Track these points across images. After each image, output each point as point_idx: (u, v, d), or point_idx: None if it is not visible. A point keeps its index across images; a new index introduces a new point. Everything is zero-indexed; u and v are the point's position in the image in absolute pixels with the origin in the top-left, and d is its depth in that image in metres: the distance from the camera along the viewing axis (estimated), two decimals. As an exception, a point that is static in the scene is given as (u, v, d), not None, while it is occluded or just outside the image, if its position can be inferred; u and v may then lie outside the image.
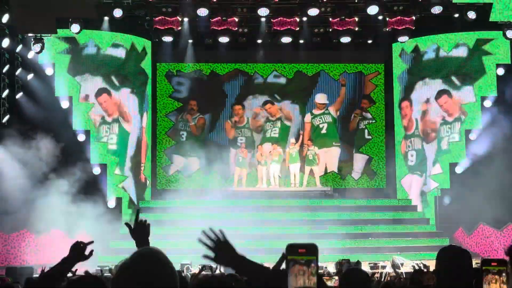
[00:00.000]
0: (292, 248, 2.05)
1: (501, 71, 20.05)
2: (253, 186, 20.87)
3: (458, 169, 20.17)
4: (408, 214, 20.24)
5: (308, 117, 22.74)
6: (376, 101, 22.90)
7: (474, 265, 3.55)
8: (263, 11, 19.04)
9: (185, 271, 14.56)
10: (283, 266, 2.06)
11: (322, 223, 19.37)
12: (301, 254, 2.03)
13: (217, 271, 12.66)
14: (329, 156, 22.51)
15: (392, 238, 18.91)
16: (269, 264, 3.89)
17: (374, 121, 22.88)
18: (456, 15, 19.24)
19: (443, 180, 20.64)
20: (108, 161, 19.90)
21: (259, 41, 21.09)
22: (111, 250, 17.74)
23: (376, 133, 22.87)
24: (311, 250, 2.04)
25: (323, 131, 22.64)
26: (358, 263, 13.02)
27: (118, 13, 18.33)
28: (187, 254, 16.67)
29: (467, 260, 3.39)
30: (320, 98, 22.77)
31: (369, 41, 21.28)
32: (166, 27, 19.30)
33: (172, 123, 22.46)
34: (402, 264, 15.68)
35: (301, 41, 20.92)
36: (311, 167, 20.95)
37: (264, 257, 8.46)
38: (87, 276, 2.60)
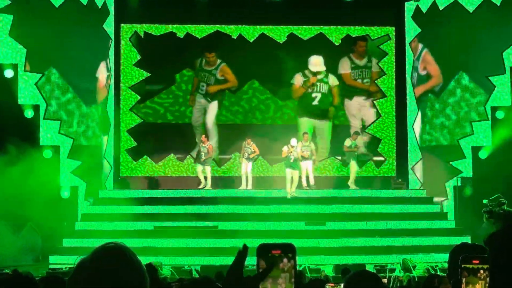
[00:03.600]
0: (263, 249, 1.99)
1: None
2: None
3: (483, 154, 20.31)
4: (422, 207, 20.40)
5: (299, 79, 22.62)
6: (387, 72, 22.98)
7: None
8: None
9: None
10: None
11: (318, 217, 19.49)
12: (275, 256, 1.98)
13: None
14: (320, 132, 22.53)
15: (403, 236, 19.03)
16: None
17: (383, 96, 23.00)
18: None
19: (464, 167, 20.77)
20: (61, 142, 19.91)
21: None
22: (64, 249, 17.75)
23: (386, 110, 22.97)
24: (287, 251, 1.99)
25: (315, 102, 22.61)
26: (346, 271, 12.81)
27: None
28: (156, 255, 16.81)
29: None
30: (314, 63, 22.46)
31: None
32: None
33: (137, 97, 22.50)
34: (414, 267, 15.94)
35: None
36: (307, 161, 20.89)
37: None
38: (14, 275, 2.60)
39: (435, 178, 21.17)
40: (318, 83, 22.59)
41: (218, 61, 22.74)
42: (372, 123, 22.97)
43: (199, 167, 21.07)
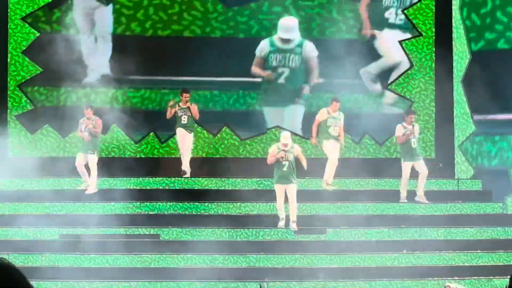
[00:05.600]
0: None
1: None
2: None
3: None
4: (475, 206, 20.65)
5: (264, 46, 22.94)
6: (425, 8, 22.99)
7: None
8: None
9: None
10: None
11: (315, 222, 19.66)
12: None
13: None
14: (292, 114, 22.93)
15: (446, 251, 19.18)
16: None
17: (418, 34, 22.99)
18: None
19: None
20: None
21: None
22: None
23: (420, 57, 22.94)
24: None
25: (281, 80, 22.99)
26: None
27: None
28: (65, 279, 16.63)
29: None
30: (286, 28, 22.70)
31: None
32: None
33: (35, 33, 22.27)
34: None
35: None
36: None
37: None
38: None
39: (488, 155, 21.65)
40: (288, 53, 22.94)
41: None
42: (400, 76, 23.01)
43: (82, 157, 20.58)
